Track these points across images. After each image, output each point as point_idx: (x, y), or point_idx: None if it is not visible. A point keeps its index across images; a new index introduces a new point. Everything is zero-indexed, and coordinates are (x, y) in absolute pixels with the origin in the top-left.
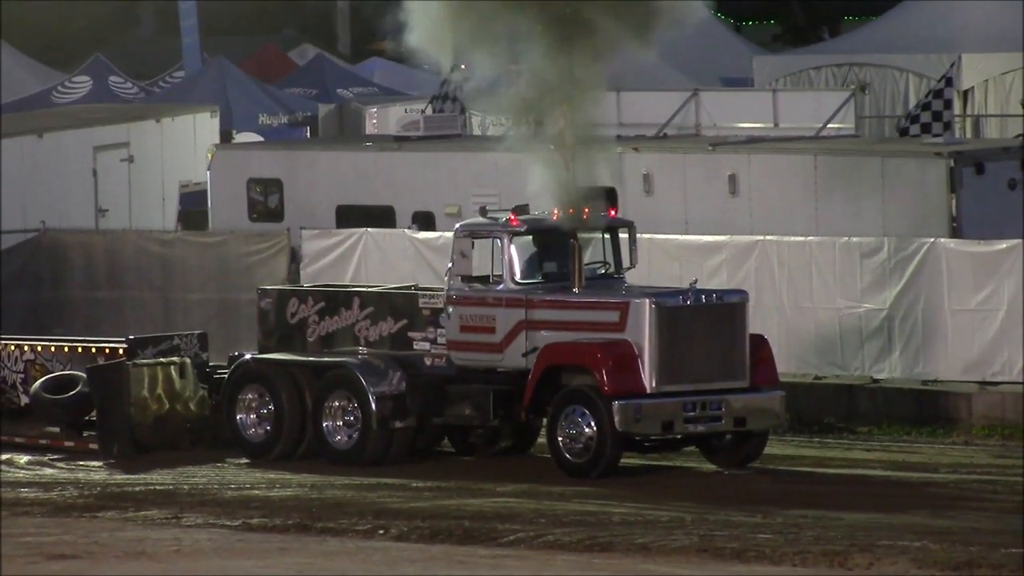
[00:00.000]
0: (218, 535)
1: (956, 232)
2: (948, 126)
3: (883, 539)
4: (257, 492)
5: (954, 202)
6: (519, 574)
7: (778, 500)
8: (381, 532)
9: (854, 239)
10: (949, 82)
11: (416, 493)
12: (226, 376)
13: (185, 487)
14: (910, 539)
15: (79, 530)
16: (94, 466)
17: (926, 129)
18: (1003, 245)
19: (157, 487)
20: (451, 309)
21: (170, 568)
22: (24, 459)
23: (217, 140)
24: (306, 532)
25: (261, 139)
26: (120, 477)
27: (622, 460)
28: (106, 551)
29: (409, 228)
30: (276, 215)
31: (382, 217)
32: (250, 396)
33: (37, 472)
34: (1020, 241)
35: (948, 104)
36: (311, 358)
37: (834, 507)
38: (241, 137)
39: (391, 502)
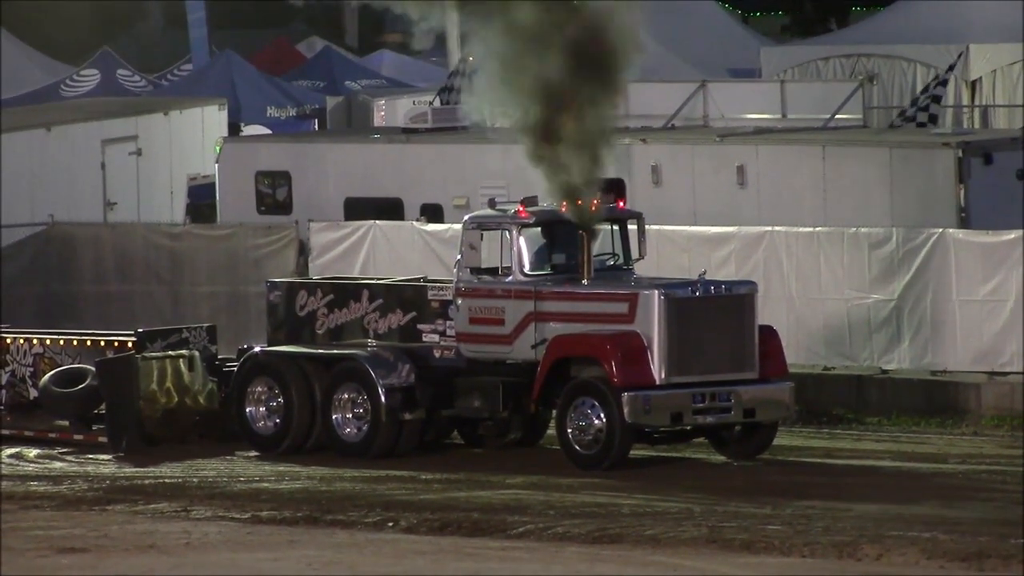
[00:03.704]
0: (227, 528)
1: (964, 223)
2: (934, 119)
3: (892, 530)
4: (266, 485)
5: (962, 193)
6: (529, 566)
7: (787, 491)
8: (390, 524)
9: (862, 230)
10: (951, 69)
11: (425, 485)
12: (235, 369)
13: (194, 480)
14: (919, 530)
15: (88, 523)
16: (103, 459)
17: (921, 110)
18: (1011, 235)
19: (166, 480)
20: (460, 301)
21: (179, 561)
22: (33, 452)
23: (225, 133)
24: (315, 525)
25: (269, 132)
26: (129, 470)
27: (631, 452)
28: (115, 544)
29: (417, 220)
30: (284, 208)
31: (390, 209)
32: (259, 389)
33: (46, 465)
34: None
35: (943, 85)
36: (320, 351)
37: (843, 498)
38: (249, 130)
39: (400, 494)
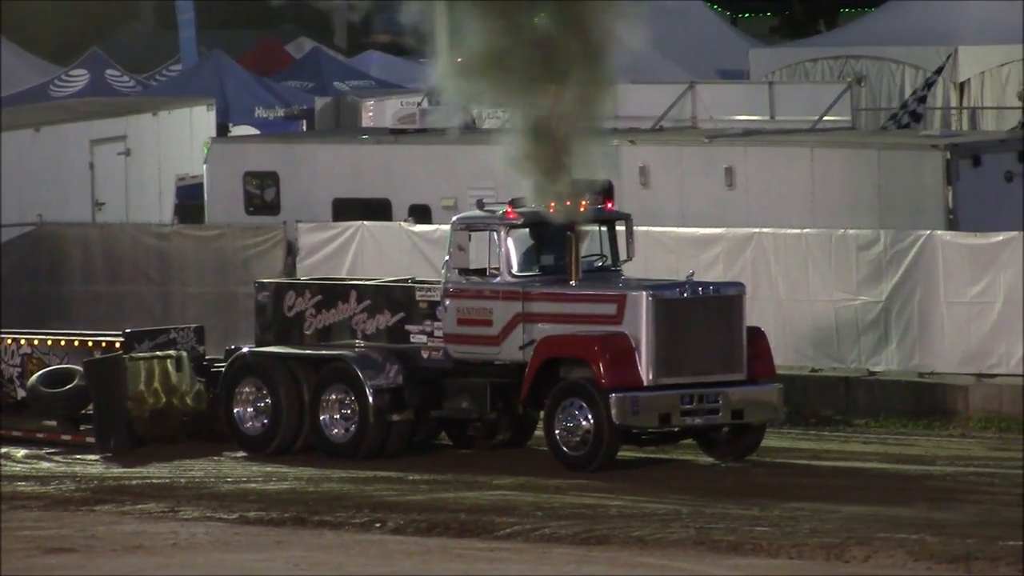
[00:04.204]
0: (215, 528)
1: (952, 224)
2: (917, 117)
3: (880, 532)
4: (254, 485)
5: (950, 194)
6: (516, 567)
7: (775, 493)
8: (378, 525)
9: (850, 231)
10: (939, 72)
11: (413, 486)
12: (223, 370)
13: (182, 480)
14: (907, 532)
15: (76, 523)
16: (91, 460)
17: (911, 114)
18: (999, 237)
19: (154, 480)
20: (448, 302)
21: (167, 561)
22: (21, 453)
23: (213, 133)
24: (303, 525)
25: (257, 132)
26: (117, 471)
27: (619, 453)
28: (103, 544)
29: (405, 221)
30: (272, 208)
31: (378, 210)
32: (247, 389)
33: (34, 466)
34: (1017, 233)
35: (929, 88)
36: (308, 351)
37: (831, 500)
38: (237, 130)
39: (388, 495)
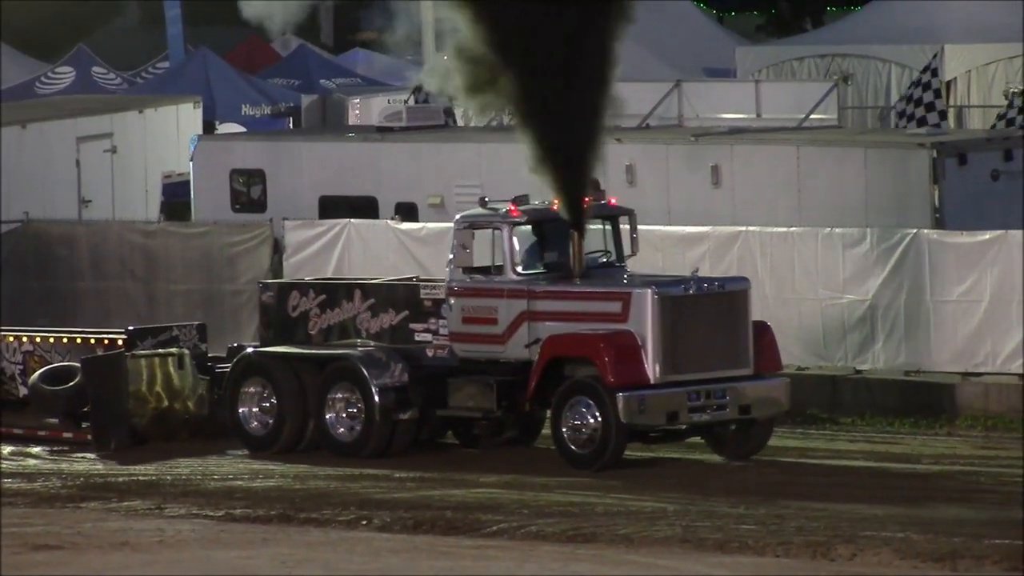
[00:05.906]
0: (201, 526)
1: (939, 223)
2: (944, 115)
3: (866, 530)
4: (240, 483)
5: (937, 193)
6: (502, 564)
7: (761, 491)
8: (364, 523)
9: (837, 230)
10: (934, 72)
11: (399, 484)
12: (228, 369)
13: (168, 478)
14: (893, 530)
15: (62, 521)
16: (77, 456)
17: (918, 120)
18: (986, 236)
19: (140, 478)
20: (453, 301)
21: (153, 559)
22: (7, 450)
23: (200, 131)
24: (289, 523)
25: (244, 130)
26: (103, 467)
27: (627, 451)
28: (89, 541)
29: (392, 219)
30: (259, 206)
31: (365, 208)
32: (252, 389)
33: (20, 463)
34: (1003, 232)
35: (937, 93)
36: (313, 351)
37: (817, 498)
38: (224, 128)
39: (374, 493)
